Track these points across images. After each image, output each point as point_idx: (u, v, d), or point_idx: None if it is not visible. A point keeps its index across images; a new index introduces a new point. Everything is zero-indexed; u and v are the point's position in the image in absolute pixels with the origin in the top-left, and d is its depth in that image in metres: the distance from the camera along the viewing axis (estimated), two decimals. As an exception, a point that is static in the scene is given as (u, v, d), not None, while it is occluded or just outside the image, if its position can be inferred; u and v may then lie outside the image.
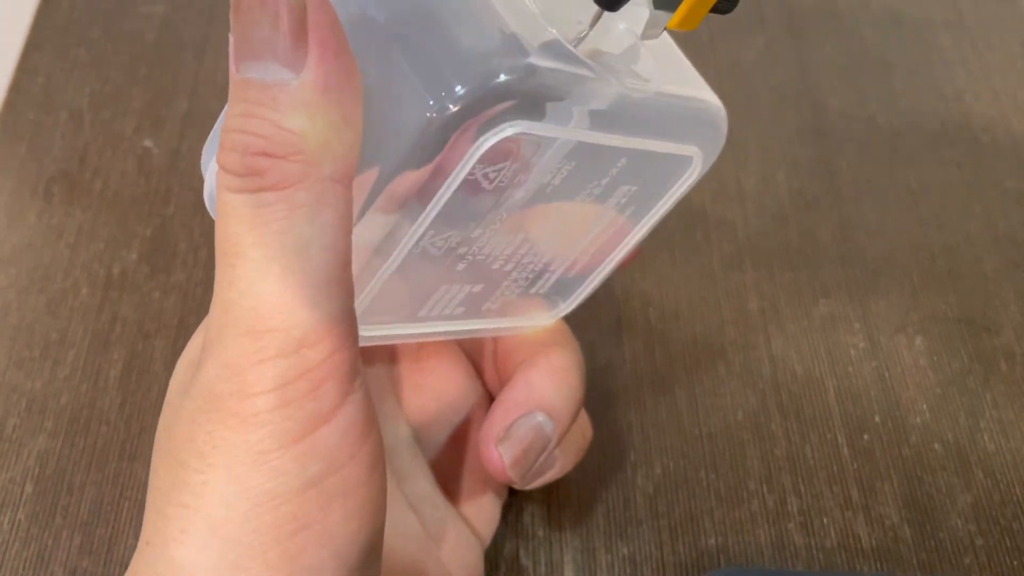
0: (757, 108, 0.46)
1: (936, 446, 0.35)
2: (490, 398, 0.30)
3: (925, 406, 0.36)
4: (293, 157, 0.17)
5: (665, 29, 0.20)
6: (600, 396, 0.35)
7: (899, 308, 0.39)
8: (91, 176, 0.41)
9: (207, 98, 0.44)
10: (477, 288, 0.24)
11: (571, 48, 0.19)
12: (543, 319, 0.28)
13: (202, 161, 0.22)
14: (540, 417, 0.26)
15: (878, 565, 0.32)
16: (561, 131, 0.20)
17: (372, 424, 0.20)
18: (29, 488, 0.32)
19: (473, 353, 0.30)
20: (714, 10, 0.20)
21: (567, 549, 0.32)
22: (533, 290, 0.26)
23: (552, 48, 0.19)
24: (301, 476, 0.18)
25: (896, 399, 0.36)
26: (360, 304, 0.21)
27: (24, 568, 0.31)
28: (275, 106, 0.17)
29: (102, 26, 0.47)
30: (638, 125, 0.21)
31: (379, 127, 0.18)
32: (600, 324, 0.37)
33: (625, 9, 0.19)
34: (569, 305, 0.28)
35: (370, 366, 0.28)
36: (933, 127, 0.45)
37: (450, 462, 0.29)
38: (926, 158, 0.44)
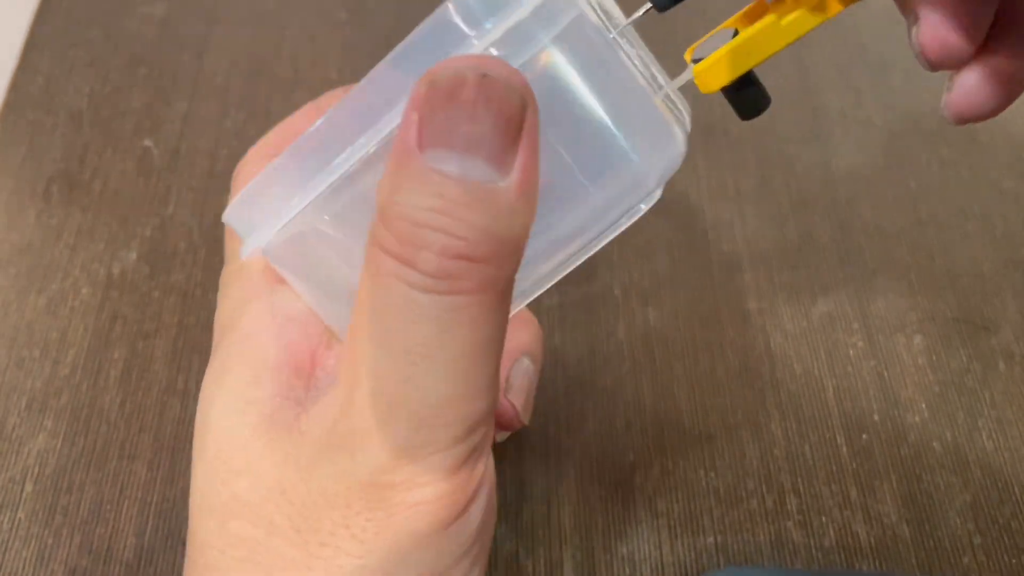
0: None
1: (935, 445, 0.35)
2: None
3: (924, 405, 0.36)
4: (492, 263, 0.17)
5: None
6: (599, 395, 0.35)
7: (898, 308, 0.39)
8: (91, 176, 0.41)
9: (207, 98, 0.44)
10: None
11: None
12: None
13: (229, 216, 0.22)
14: (526, 361, 0.28)
15: (877, 564, 0.32)
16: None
17: (494, 500, 0.21)
18: (29, 487, 0.32)
19: None
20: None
21: (566, 548, 0.32)
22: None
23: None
24: (456, 552, 0.19)
25: (895, 398, 0.36)
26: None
27: (24, 567, 0.31)
28: (482, 209, 0.17)
29: (102, 26, 0.47)
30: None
31: None
32: (600, 324, 0.37)
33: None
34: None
35: None
36: (931, 127, 0.45)
37: None
38: (924, 158, 0.44)
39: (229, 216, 0.22)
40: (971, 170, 0.44)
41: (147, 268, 0.38)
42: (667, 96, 0.22)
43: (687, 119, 0.23)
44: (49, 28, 0.47)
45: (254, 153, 0.26)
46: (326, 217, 0.21)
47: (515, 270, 0.18)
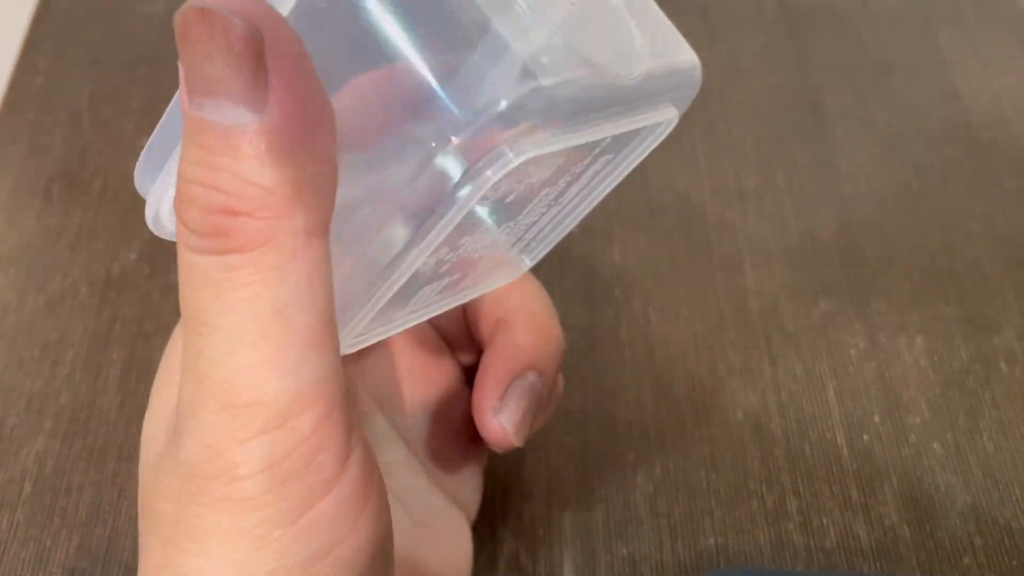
0: (756, 107, 0.46)
1: (935, 446, 0.35)
2: (462, 369, 0.29)
3: (925, 406, 0.36)
4: (260, 214, 0.15)
5: None
6: (600, 395, 0.35)
7: (899, 308, 0.39)
8: (90, 176, 0.41)
9: (206, 98, 0.44)
10: (455, 276, 0.24)
11: (571, 49, 0.18)
12: (511, 276, 0.26)
13: (137, 176, 0.19)
14: (532, 377, 0.25)
15: (877, 565, 0.32)
16: (563, 141, 0.18)
17: (375, 478, 0.18)
18: (28, 488, 0.32)
19: (440, 326, 0.29)
20: None
21: (567, 549, 0.32)
22: (506, 256, 0.25)
23: (552, 52, 0.17)
24: (304, 553, 0.17)
25: (896, 399, 0.36)
26: (346, 335, 0.20)
27: (22, 569, 0.31)
28: (236, 155, 0.15)
29: (101, 25, 0.47)
30: (626, 106, 0.20)
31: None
32: (600, 324, 0.37)
33: None
34: (534, 260, 0.26)
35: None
36: (932, 126, 0.45)
37: (429, 441, 0.28)
38: (925, 157, 0.44)
39: (136, 176, 0.19)
40: (973, 169, 0.44)
41: (147, 268, 0.38)
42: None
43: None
44: (49, 27, 0.47)
45: None
46: None
47: (303, 226, 0.16)
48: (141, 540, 0.19)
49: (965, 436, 0.35)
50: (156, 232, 0.20)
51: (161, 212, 0.20)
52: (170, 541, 0.17)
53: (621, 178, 0.24)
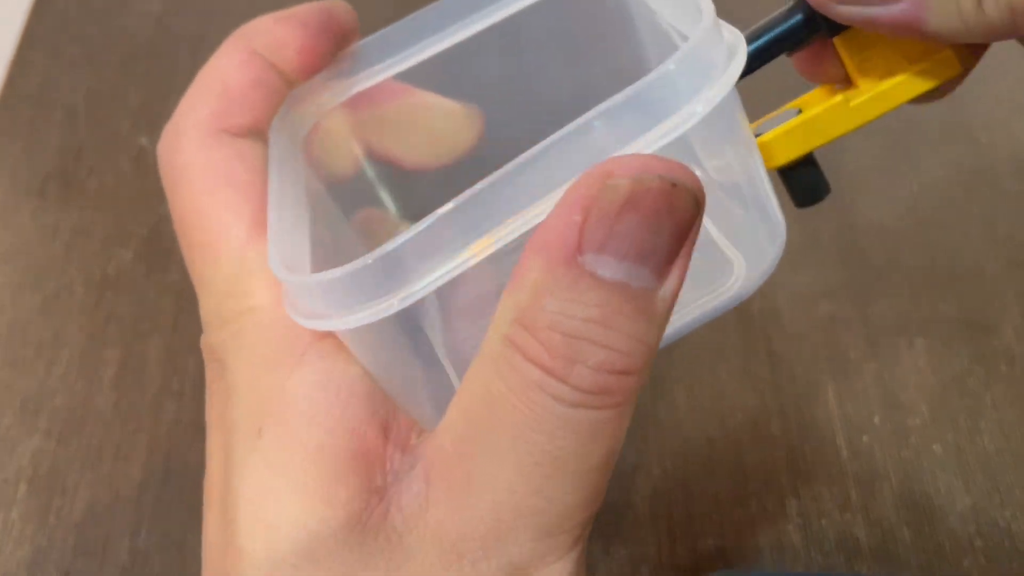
0: (757, 110, 0.46)
1: (936, 447, 0.35)
2: None
3: (925, 407, 0.36)
4: (639, 370, 0.16)
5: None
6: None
7: (899, 309, 0.38)
8: (86, 174, 0.41)
9: (203, 96, 0.44)
10: None
11: None
12: None
13: (275, 263, 0.18)
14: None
15: (877, 567, 0.32)
16: None
17: None
18: (23, 488, 0.32)
19: None
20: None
21: (565, 551, 0.32)
22: None
23: None
24: None
25: (896, 400, 0.36)
26: None
27: (18, 568, 0.30)
28: (643, 319, 0.16)
29: (97, 24, 0.47)
30: None
31: None
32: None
33: None
34: None
35: None
36: (933, 128, 0.45)
37: None
38: (926, 159, 0.44)
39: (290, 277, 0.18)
40: (973, 171, 0.43)
41: (143, 267, 0.38)
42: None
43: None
44: (45, 25, 0.47)
45: (184, 122, 0.21)
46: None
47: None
48: None
49: (965, 437, 0.35)
50: (299, 318, 0.19)
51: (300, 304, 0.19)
52: None
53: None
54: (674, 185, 0.15)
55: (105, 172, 0.41)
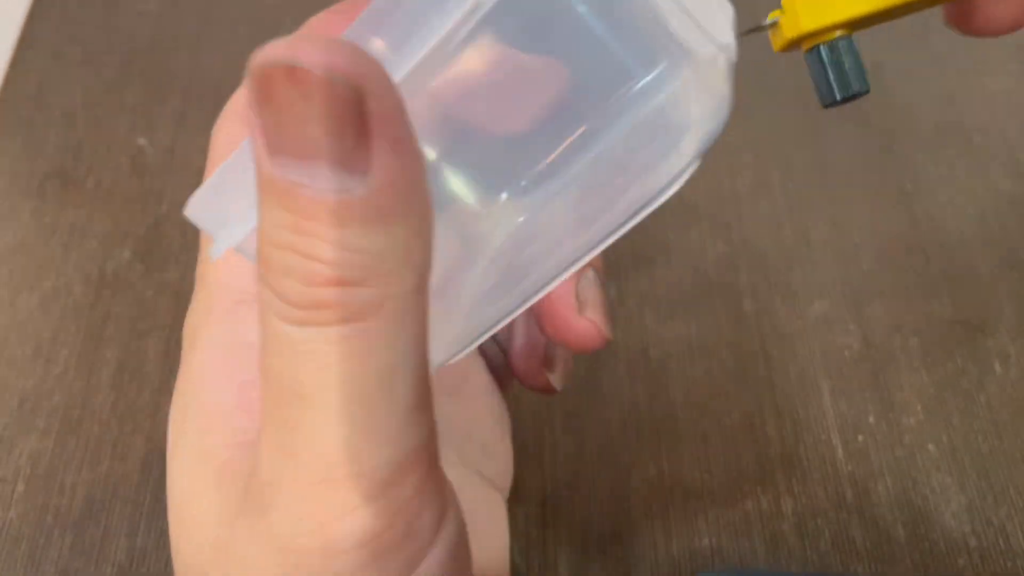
0: (751, 109, 0.46)
1: (930, 447, 0.35)
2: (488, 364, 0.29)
3: (919, 407, 0.36)
4: (370, 283, 0.14)
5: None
6: (596, 397, 0.35)
7: (893, 309, 0.39)
8: (84, 174, 0.41)
9: (201, 96, 0.44)
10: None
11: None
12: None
13: (192, 210, 0.17)
14: (591, 273, 0.25)
15: (872, 566, 0.32)
16: None
17: (464, 535, 0.18)
18: (20, 487, 0.32)
19: None
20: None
21: (561, 549, 0.32)
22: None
23: None
24: None
25: (890, 400, 0.36)
26: (464, 351, 0.20)
27: (15, 568, 0.30)
28: (337, 222, 0.14)
29: (95, 24, 0.47)
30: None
31: None
32: (595, 324, 0.37)
33: None
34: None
35: None
36: (927, 128, 0.45)
37: (466, 424, 0.28)
38: (920, 159, 0.44)
39: (193, 209, 0.17)
40: (967, 171, 0.44)
41: (141, 267, 0.38)
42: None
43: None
44: (43, 25, 0.47)
45: (232, 111, 0.21)
46: None
47: (413, 285, 0.15)
48: None
49: (960, 437, 0.35)
50: (219, 257, 0.19)
51: (246, 248, 0.18)
52: None
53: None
54: (292, 69, 0.13)
55: (103, 172, 0.41)
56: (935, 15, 0.27)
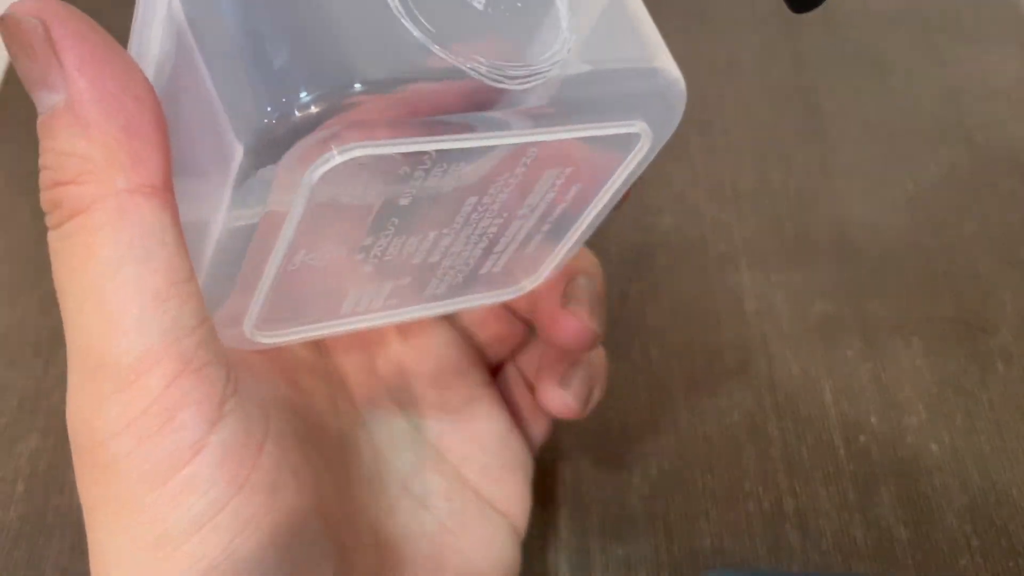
0: (753, 107, 0.46)
1: (932, 447, 0.35)
2: (491, 372, 0.29)
3: (921, 406, 0.36)
4: (81, 179, 0.16)
5: None
6: (596, 396, 0.35)
7: (895, 308, 0.38)
8: (84, 173, 0.41)
9: (201, 95, 0.44)
10: (404, 281, 0.22)
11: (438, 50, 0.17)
12: (506, 294, 0.25)
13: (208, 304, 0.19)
14: (582, 278, 0.26)
15: (874, 566, 0.32)
16: (396, 146, 0.17)
17: (260, 445, 0.18)
18: (20, 487, 0.32)
19: (472, 329, 0.29)
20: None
21: (561, 549, 0.32)
22: (483, 271, 0.24)
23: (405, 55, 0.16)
24: (185, 516, 0.17)
25: (892, 399, 0.36)
26: (251, 315, 0.20)
27: (15, 568, 0.30)
28: (52, 134, 0.17)
29: (95, 22, 0.47)
30: (561, 117, 0.19)
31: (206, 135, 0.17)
32: (596, 324, 0.37)
33: None
34: (535, 280, 0.25)
35: (346, 355, 0.27)
36: (929, 127, 0.45)
37: (462, 447, 0.28)
38: (922, 158, 0.44)
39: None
40: (969, 170, 0.44)
41: (141, 266, 0.38)
42: None
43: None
44: (42, 24, 0.47)
45: None
46: None
47: (124, 186, 0.17)
48: None
49: (962, 437, 0.35)
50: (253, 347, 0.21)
51: (246, 331, 0.20)
52: (87, 528, 0.18)
53: (603, 202, 0.22)
54: (2, 19, 0.17)
55: (103, 171, 0.41)
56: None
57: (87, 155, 0.16)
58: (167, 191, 0.17)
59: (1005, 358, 0.37)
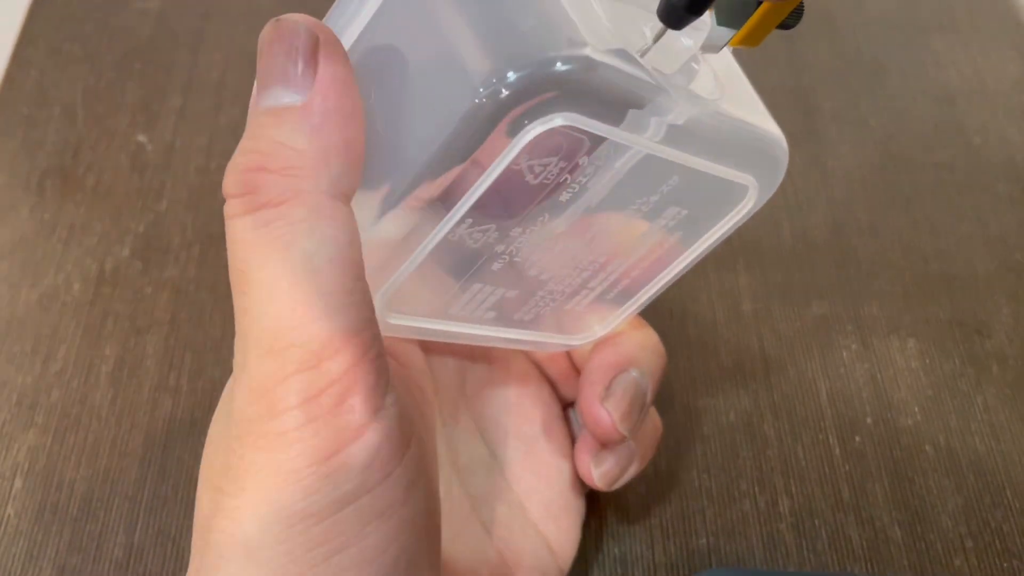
0: None
1: (927, 448, 0.35)
2: (563, 410, 0.30)
3: (917, 408, 0.36)
4: (290, 171, 0.18)
5: (728, 46, 0.20)
6: (593, 396, 0.35)
7: (892, 310, 0.39)
8: (84, 171, 0.41)
9: (201, 93, 0.44)
10: (511, 294, 0.24)
11: (635, 55, 0.19)
12: (575, 340, 0.27)
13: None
14: (635, 372, 0.27)
15: (869, 566, 0.32)
16: (612, 132, 0.19)
17: (407, 442, 0.19)
18: (19, 483, 0.32)
19: (543, 364, 0.30)
20: (779, 26, 0.20)
21: (559, 548, 0.32)
22: (569, 306, 0.26)
23: (616, 52, 0.18)
24: (333, 495, 0.18)
25: (888, 401, 0.36)
26: (387, 291, 0.21)
27: (13, 564, 0.30)
28: (279, 124, 0.18)
29: (96, 21, 0.47)
30: (696, 144, 0.21)
31: (417, 126, 0.18)
32: (593, 324, 0.37)
33: (690, 25, 0.19)
34: (606, 327, 0.27)
35: (442, 364, 0.28)
36: (926, 130, 0.45)
37: (527, 480, 0.29)
38: (919, 160, 0.44)
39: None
40: (965, 173, 0.44)
41: (140, 264, 0.38)
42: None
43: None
44: (43, 22, 0.47)
45: None
46: None
47: (327, 188, 0.18)
48: (196, 505, 0.20)
49: (957, 438, 0.35)
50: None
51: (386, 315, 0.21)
52: (217, 488, 0.19)
53: (700, 251, 0.25)
54: (277, 20, 0.18)
55: (103, 169, 0.41)
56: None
57: (303, 151, 0.18)
58: (350, 202, 0.19)
59: (1000, 360, 0.37)
